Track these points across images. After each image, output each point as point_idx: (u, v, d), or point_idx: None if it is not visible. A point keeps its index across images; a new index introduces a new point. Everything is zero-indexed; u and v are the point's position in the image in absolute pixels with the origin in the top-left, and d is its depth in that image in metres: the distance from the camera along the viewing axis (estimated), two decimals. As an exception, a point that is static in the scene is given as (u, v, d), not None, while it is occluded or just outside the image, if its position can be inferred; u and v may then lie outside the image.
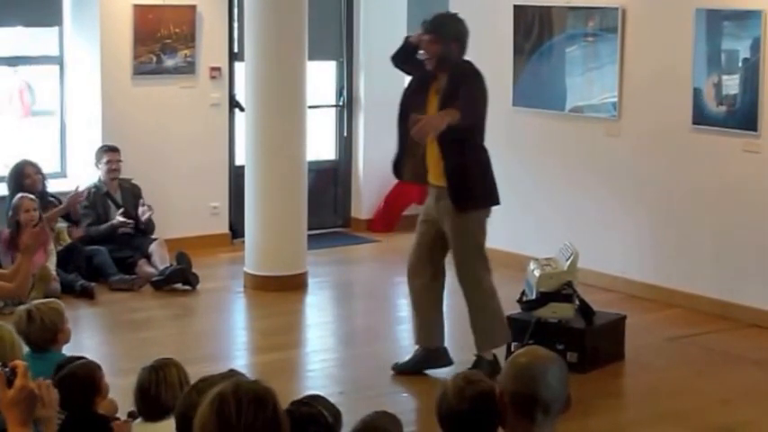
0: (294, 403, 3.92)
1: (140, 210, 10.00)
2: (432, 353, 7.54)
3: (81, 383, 4.75)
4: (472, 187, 7.22)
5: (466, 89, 7.11)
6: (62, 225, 9.76)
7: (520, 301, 7.74)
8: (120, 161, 10.09)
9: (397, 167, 7.54)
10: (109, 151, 10.08)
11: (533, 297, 7.60)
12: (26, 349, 5.37)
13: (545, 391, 3.36)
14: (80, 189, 9.84)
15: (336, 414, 3.96)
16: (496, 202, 7.41)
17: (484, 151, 7.31)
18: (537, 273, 7.60)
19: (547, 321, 7.59)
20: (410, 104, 7.34)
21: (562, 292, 7.58)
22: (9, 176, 9.75)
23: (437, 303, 7.60)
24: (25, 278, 5.73)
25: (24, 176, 9.69)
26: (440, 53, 7.15)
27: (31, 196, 9.32)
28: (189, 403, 3.27)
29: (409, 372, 7.48)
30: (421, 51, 7.27)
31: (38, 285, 8.72)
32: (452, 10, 10.70)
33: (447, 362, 7.50)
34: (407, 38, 7.56)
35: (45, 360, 5.09)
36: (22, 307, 5.56)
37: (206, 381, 3.46)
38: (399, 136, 7.41)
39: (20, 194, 9.31)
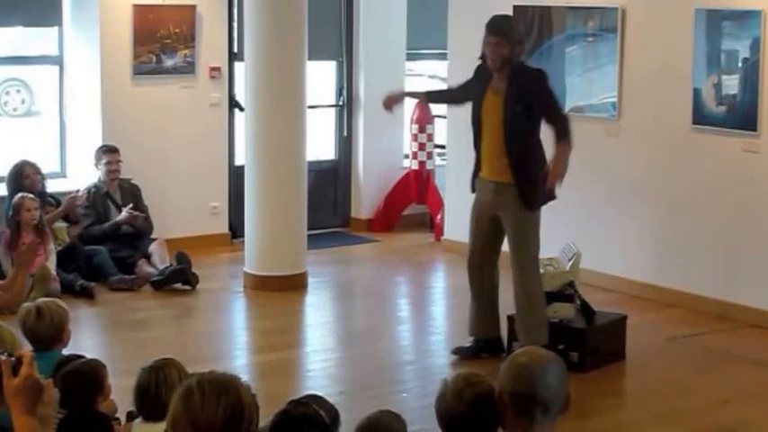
0: (291, 403, 3.92)
1: (125, 212, 9.95)
2: (487, 343, 7.75)
3: (84, 381, 4.76)
4: (537, 185, 7.43)
5: (545, 96, 7.45)
6: (62, 225, 9.76)
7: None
8: (119, 162, 10.09)
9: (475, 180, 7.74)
10: (108, 152, 10.08)
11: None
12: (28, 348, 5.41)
13: (544, 391, 3.36)
14: (80, 193, 9.84)
15: (334, 414, 3.95)
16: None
17: (542, 147, 7.54)
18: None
19: (548, 321, 7.59)
20: (470, 96, 7.67)
21: (564, 292, 7.59)
22: (8, 177, 9.75)
23: (495, 295, 7.78)
24: (20, 290, 5.80)
25: (23, 177, 9.68)
26: (506, 55, 7.37)
27: (32, 196, 9.33)
28: None
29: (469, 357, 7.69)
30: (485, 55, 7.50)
31: (37, 285, 8.71)
32: (452, 10, 10.77)
33: (501, 350, 7.73)
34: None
35: (47, 359, 5.09)
36: (28, 304, 5.59)
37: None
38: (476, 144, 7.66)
39: (21, 194, 9.32)
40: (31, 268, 8.47)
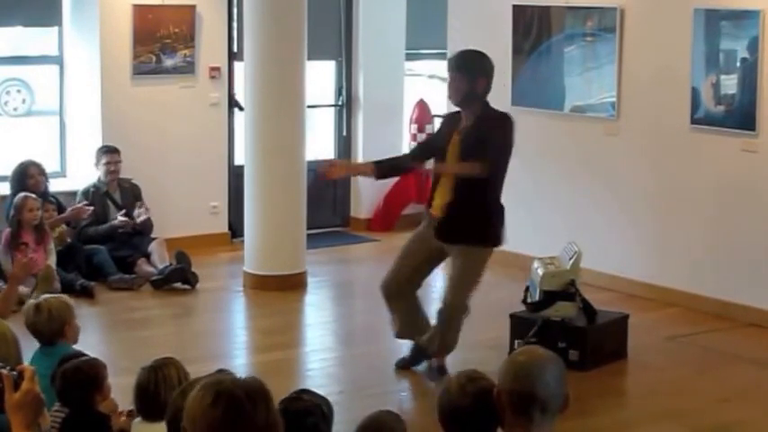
0: (284, 401, 3.94)
1: (137, 211, 10.01)
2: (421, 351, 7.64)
3: (83, 379, 4.77)
4: (486, 223, 7.26)
5: (498, 137, 7.18)
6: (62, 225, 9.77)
7: (524, 301, 7.76)
8: (119, 162, 10.10)
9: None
10: (108, 152, 10.09)
11: (537, 296, 7.62)
12: (33, 348, 5.43)
13: (543, 390, 3.36)
14: (87, 206, 9.83)
15: (328, 404, 4.04)
16: (497, 244, 7.38)
17: (495, 201, 7.31)
18: (540, 272, 7.61)
19: (550, 320, 7.61)
20: (436, 144, 7.45)
21: (566, 291, 7.59)
22: (12, 176, 9.76)
23: (417, 306, 7.65)
24: (9, 304, 5.84)
25: (28, 177, 9.70)
26: (465, 91, 7.18)
27: (34, 196, 9.34)
28: (178, 407, 3.25)
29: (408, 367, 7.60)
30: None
31: (41, 285, 8.75)
32: (452, 10, 10.78)
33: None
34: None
35: (53, 356, 5.12)
36: (30, 301, 5.61)
37: (196, 383, 3.44)
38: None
39: (23, 194, 9.33)
40: (37, 256, 8.61)
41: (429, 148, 7.71)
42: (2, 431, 3.13)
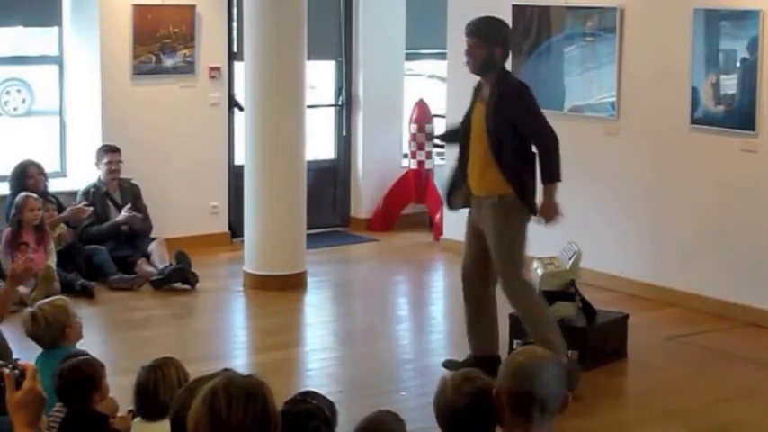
0: (289, 402, 3.93)
1: (124, 212, 9.96)
2: (481, 361, 7.11)
3: (81, 378, 4.77)
4: (526, 193, 7.15)
5: (526, 115, 7.08)
6: (61, 225, 9.76)
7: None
8: (120, 162, 10.10)
9: (450, 196, 7.47)
10: (110, 152, 10.09)
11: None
12: (37, 350, 5.44)
13: (541, 389, 3.37)
14: (86, 206, 9.82)
15: (332, 407, 4.01)
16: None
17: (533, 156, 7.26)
18: (540, 272, 7.62)
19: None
20: (465, 119, 7.33)
21: (565, 290, 7.60)
22: (12, 176, 9.77)
23: (492, 309, 7.46)
24: (7, 305, 5.84)
25: (28, 176, 9.70)
26: (483, 58, 7.10)
27: (35, 196, 9.35)
28: (182, 405, 3.27)
29: None
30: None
31: (41, 285, 8.76)
32: (451, 10, 10.78)
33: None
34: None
35: (56, 357, 5.12)
36: (27, 309, 5.60)
37: (198, 381, 3.45)
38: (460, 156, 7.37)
39: (24, 193, 9.33)
40: (37, 256, 8.62)
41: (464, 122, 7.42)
42: (2, 432, 3.13)
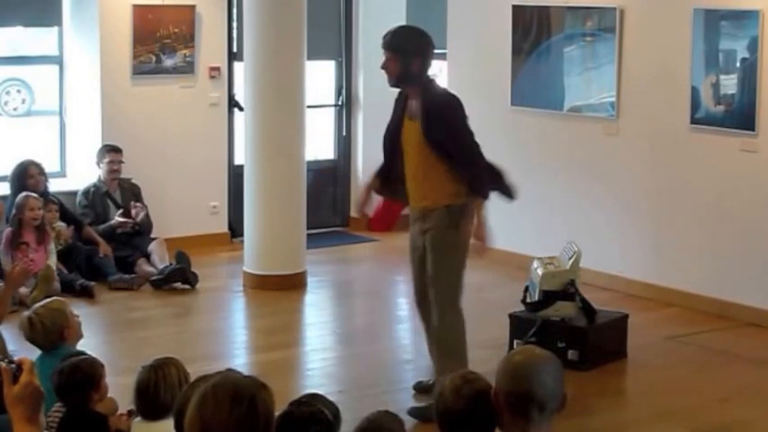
0: (293, 403, 3.93)
1: (133, 211, 10.02)
2: None
3: (80, 377, 4.78)
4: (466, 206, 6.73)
5: (453, 127, 6.64)
6: (61, 224, 9.76)
7: (524, 301, 7.76)
8: (122, 162, 10.11)
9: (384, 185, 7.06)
10: (111, 151, 10.11)
11: (537, 296, 7.62)
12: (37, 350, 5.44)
13: (540, 389, 3.37)
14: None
15: (335, 411, 3.99)
16: None
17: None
18: (540, 271, 7.62)
19: (549, 320, 7.61)
20: (391, 132, 6.95)
21: (565, 290, 7.60)
22: (12, 175, 9.77)
23: None
24: (5, 306, 5.83)
25: (28, 176, 9.70)
26: (399, 71, 6.69)
27: (36, 195, 9.35)
28: (185, 401, 3.28)
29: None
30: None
31: (41, 285, 8.76)
32: (452, 10, 10.78)
33: None
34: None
35: (56, 357, 5.13)
36: (24, 313, 5.60)
37: (203, 379, 3.46)
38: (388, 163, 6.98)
39: (25, 193, 9.34)
40: (37, 256, 8.61)
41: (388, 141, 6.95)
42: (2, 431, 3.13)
